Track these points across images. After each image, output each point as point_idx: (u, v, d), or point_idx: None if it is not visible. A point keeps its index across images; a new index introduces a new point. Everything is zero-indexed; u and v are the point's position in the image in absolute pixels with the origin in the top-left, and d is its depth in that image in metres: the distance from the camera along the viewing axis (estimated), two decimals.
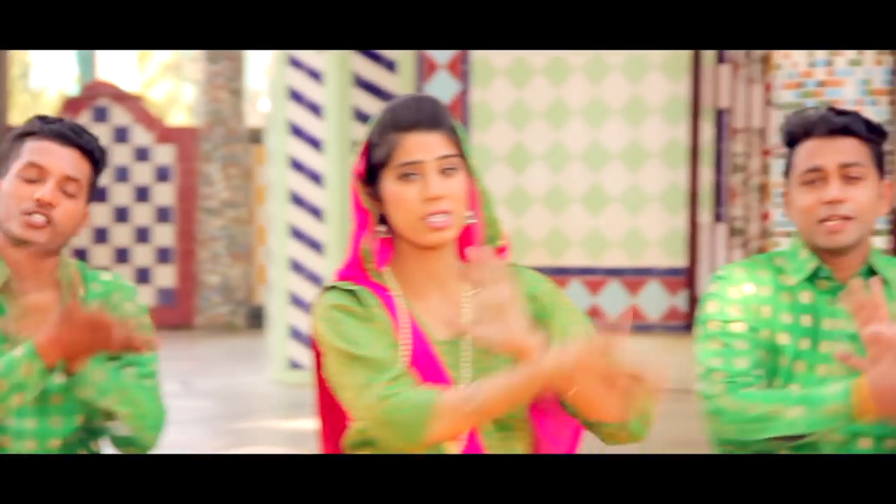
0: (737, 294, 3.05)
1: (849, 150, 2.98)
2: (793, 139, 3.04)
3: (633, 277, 9.29)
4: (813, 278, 3.04)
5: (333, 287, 2.63)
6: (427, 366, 2.59)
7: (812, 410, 2.84)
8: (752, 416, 2.90)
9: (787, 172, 3.06)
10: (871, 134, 3.02)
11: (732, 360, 3.00)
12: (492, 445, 2.58)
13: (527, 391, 2.40)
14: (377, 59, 9.68)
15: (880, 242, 6.57)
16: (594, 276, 9.35)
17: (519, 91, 9.42)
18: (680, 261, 9.13)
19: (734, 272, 3.09)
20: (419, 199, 2.55)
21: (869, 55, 6.40)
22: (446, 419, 2.42)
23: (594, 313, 9.29)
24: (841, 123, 2.99)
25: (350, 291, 2.60)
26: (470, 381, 2.58)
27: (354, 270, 2.65)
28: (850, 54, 6.39)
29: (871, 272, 3.04)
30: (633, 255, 9.28)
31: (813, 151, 3.00)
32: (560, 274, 9.33)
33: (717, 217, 9.04)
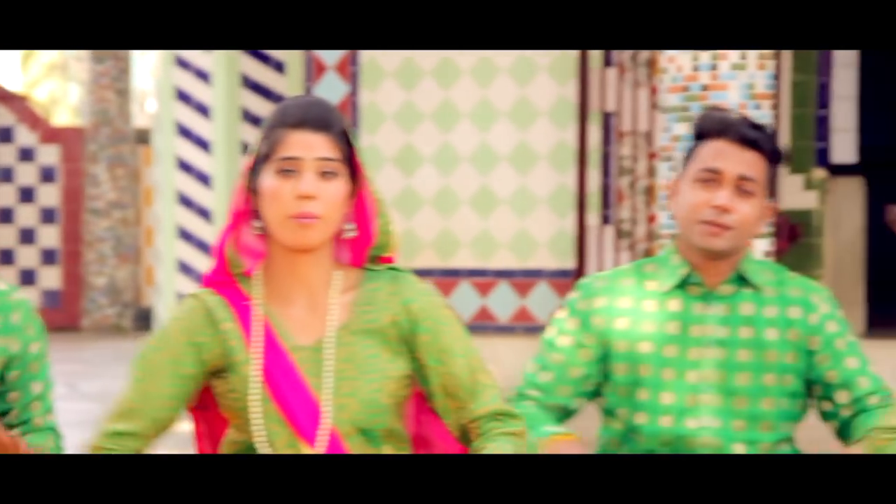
0: (584, 307, 3.09)
1: (751, 163, 3.02)
2: (703, 135, 3.07)
3: (523, 279, 9.34)
4: (683, 285, 3.07)
5: (196, 296, 2.63)
6: (283, 375, 2.58)
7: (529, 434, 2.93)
8: None
9: (684, 165, 3.09)
10: (773, 155, 3.07)
11: (541, 372, 3.07)
12: (356, 451, 2.58)
13: None
14: (265, 59, 9.64)
15: (763, 244, 6.67)
16: (483, 278, 9.38)
17: (407, 93, 9.43)
18: (568, 262, 9.20)
19: (592, 283, 3.13)
20: (291, 196, 2.55)
21: (752, 59, 6.49)
22: None
23: (484, 315, 9.33)
24: (753, 136, 3.03)
25: (208, 305, 2.61)
26: (331, 390, 2.57)
27: (221, 275, 2.65)
28: (734, 58, 6.48)
29: (741, 278, 3.08)
30: (522, 257, 9.33)
31: (718, 153, 3.03)
32: (449, 276, 9.35)
33: (605, 219, 9.12)
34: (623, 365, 3.05)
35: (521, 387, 3.08)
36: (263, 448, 2.56)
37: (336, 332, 2.59)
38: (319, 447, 2.55)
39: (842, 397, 3.03)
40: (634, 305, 3.07)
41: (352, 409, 2.57)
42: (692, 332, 3.04)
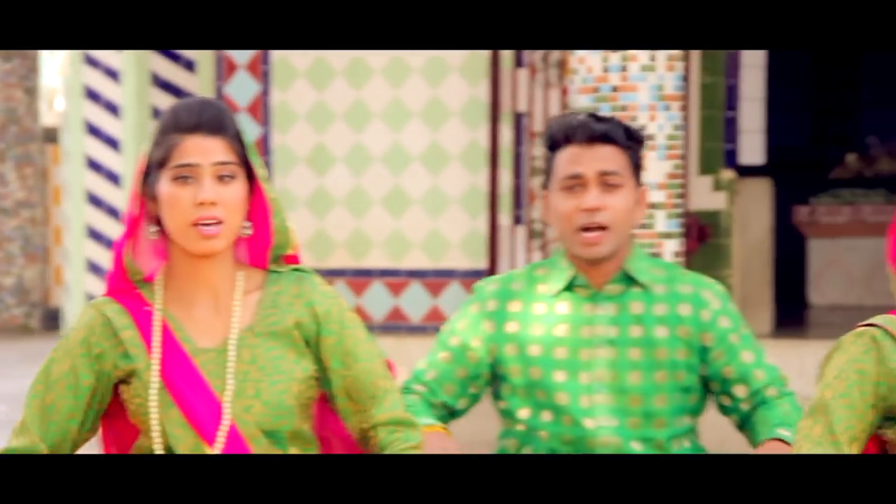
0: (475, 310, 3.11)
1: (608, 157, 3.04)
2: (554, 144, 3.09)
3: (435, 279, 9.35)
4: (571, 287, 3.09)
5: (94, 305, 2.62)
6: (184, 379, 2.57)
7: None
8: None
9: (547, 177, 3.10)
10: (630, 141, 3.08)
11: (430, 369, 3.10)
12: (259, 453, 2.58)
13: None
14: (175, 58, 9.57)
15: (673, 245, 6.72)
16: (396, 278, 9.38)
17: (319, 92, 9.41)
18: (481, 262, 9.22)
19: (486, 286, 3.15)
20: (191, 203, 2.53)
21: (661, 61, 6.55)
22: None
23: (396, 315, 9.33)
24: (600, 131, 3.05)
25: (106, 314, 2.59)
26: (233, 391, 2.56)
27: (121, 283, 2.63)
28: (643, 60, 6.54)
29: (627, 276, 3.10)
30: (435, 257, 9.34)
31: (573, 158, 3.04)
32: (362, 276, 9.34)
33: (517, 219, 9.15)
34: (517, 367, 3.07)
35: (408, 381, 3.10)
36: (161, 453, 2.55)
37: (240, 333, 2.58)
38: (217, 449, 2.54)
39: (740, 391, 3.06)
40: (525, 309, 3.09)
41: (256, 410, 2.56)
42: (582, 334, 3.06)
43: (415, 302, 9.37)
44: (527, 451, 3.09)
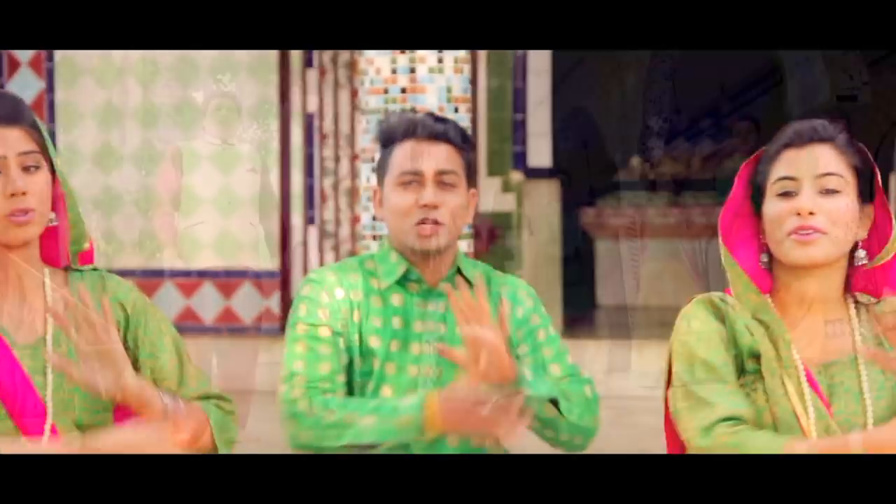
0: (326, 298, 3.10)
1: (445, 156, 3.10)
2: (390, 140, 3.12)
3: (227, 279, 9.30)
4: (403, 281, 3.12)
5: None
6: (7, 371, 2.54)
7: (384, 420, 2.93)
8: (327, 424, 2.95)
9: (380, 172, 3.13)
10: (464, 143, 3.14)
11: (315, 364, 3.05)
12: None
13: None
14: None
15: (463, 246, 6.80)
16: (187, 279, 9.31)
17: (106, 91, 9.28)
18: (273, 263, 9.21)
19: (325, 276, 3.15)
20: (1, 197, 2.50)
21: (448, 63, 6.63)
22: None
23: (188, 316, 9.25)
24: (440, 130, 3.10)
25: None
26: (54, 387, 2.55)
27: None
28: (431, 62, 6.61)
29: (460, 275, 3.15)
30: (227, 257, 9.29)
31: (411, 154, 3.09)
32: (153, 276, 9.24)
33: (309, 220, 9.16)
34: (359, 358, 3.08)
35: (305, 383, 3.02)
36: None
37: (54, 330, 2.56)
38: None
39: None
40: (364, 299, 3.11)
41: (76, 404, 2.55)
42: (415, 328, 3.10)
43: (207, 302, 9.31)
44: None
